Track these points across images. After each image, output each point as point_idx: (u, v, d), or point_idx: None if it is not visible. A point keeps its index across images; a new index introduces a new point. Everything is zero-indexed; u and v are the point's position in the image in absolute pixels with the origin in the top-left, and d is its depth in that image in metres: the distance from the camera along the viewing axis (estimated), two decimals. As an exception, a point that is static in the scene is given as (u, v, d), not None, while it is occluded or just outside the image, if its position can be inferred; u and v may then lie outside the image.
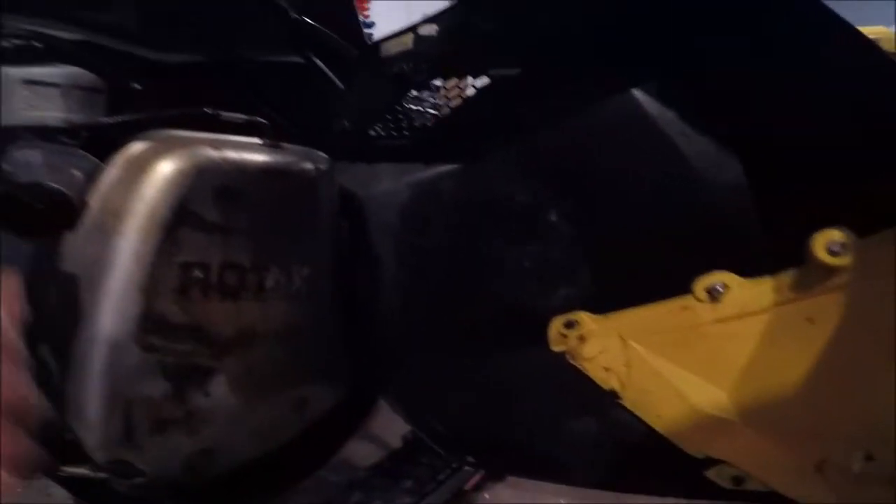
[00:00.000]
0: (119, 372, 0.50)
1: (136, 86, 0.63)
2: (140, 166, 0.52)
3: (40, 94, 0.54)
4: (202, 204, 0.53)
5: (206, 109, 0.58)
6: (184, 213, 0.51)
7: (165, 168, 0.51)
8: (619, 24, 0.53)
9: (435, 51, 0.64)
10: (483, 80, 0.66)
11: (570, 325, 0.58)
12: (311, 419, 0.68)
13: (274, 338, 0.62)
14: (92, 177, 0.54)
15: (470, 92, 0.69)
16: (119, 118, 0.57)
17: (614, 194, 0.56)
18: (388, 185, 0.72)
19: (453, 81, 0.71)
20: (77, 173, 0.55)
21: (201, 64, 0.70)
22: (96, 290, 0.50)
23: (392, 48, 0.68)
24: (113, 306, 0.49)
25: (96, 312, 0.49)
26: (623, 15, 0.53)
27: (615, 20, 0.54)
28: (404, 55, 0.67)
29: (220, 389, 0.58)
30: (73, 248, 0.52)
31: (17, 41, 0.54)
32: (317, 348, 0.69)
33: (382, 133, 0.75)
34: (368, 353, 0.73)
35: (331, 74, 0.78)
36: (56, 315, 0.51)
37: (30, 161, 0.53)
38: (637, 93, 0.52)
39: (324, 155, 0.69)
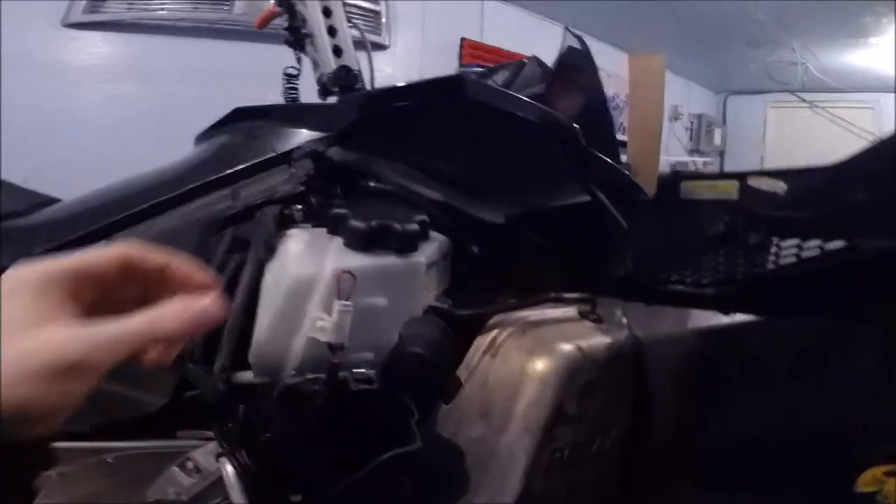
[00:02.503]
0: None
1: (475, 249, 0.69)
2: (520, 366, 0.57)
3: (430, 275, 0.61)
4: (569, 403, 0.57)
5: (553, 294, 0.62)
6: (558, 413, 0.56)
7: (547, 373, 0.56)
8: None
9: (779, 211, 0.59)
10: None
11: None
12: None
13: (587, 489, 0.66)
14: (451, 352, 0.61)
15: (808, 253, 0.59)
16: (484, 310, 0.62)
17: None
18: (672, 329, 0.72)
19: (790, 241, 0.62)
20: (446, 349, 0.61)
21: (518, 217, 0.74)
22: (485, 470, 0.55)
23: (699, 191, 0.66)
24: (498, 485, 0.55)
25: (483, 488, 0.55)
26: None
27: None
28: (722, 206, 0.63)
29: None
30: (453, 422, 0.58)
31: (418, 219, 0.58)
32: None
33: (671, 278, 0.71)
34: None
35: (615, 212, 0.77)
36: (436, 479, 0.59)
37: (415, 334, 0.60)
38: None
39: (623, 316, 0.70)
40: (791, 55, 4.39)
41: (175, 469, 0.63)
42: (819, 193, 0.59)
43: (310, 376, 0.48)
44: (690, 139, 5.78)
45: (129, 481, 0.63)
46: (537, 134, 0.71)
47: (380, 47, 3.03)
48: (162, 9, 2.65)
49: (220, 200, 0.67)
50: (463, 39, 3.47)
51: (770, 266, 0.65)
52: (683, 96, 5.61)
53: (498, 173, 0.74)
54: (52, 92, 2.44)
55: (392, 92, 0.71)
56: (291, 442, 0.52)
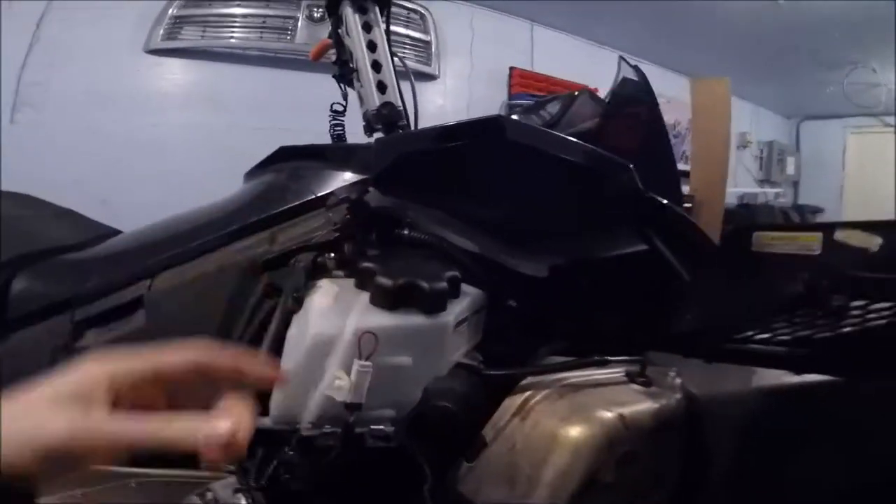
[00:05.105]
0: None
1: (513, 303, 0.65)
2: (552, 432, 0.52)
3: (459, 332, 0.58)
4: (606, 472, 0.52)
5: (597, 357, 0.57)
6: (591, 483, 0.51)
7: (580, 441, 0.51)
8: None
9: (870, 272, 0.51)
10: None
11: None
12: None
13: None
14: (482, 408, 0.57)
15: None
16: (516, 371, 0.58)
17: None
18: (735, 387, 0.65)
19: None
20: (475, 405, 0.58)
21: (560, 269, 0.70)
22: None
23: (775, 244, 0.59)
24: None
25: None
26: None
27: None
28: (801, 261, 0.56)
29: None
30: (474, 482, 0.55)
31: (448, 275, 0.55)
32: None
33: (738, 336, 0.63)
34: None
35: (675, 263, 0.70)
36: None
37: (444, 388, 0.57)
38: None
39: (676, 378, 0.64)
40: (871, 76, 4.09)
41: (195, 498, 0.63)
42: None
43: (327, 429, 0.46)
44: (760, 168, 5.45)
45: (150, 507, 0.63)
46: (587, 177, 0.66)
47: (429, 77, 3.08)
48: (231, 37, 2.82)
49: (258, 244, 0.67)
50: (512, 68, 3.46)
51: (853, 328, 0.57)
52: (752, 122, 5.32)
53: (542, 220, 0.69)
54: (135, 119, 2.63)
55: (429, 134, 0.68)
56: (306, 489, 0.51)
